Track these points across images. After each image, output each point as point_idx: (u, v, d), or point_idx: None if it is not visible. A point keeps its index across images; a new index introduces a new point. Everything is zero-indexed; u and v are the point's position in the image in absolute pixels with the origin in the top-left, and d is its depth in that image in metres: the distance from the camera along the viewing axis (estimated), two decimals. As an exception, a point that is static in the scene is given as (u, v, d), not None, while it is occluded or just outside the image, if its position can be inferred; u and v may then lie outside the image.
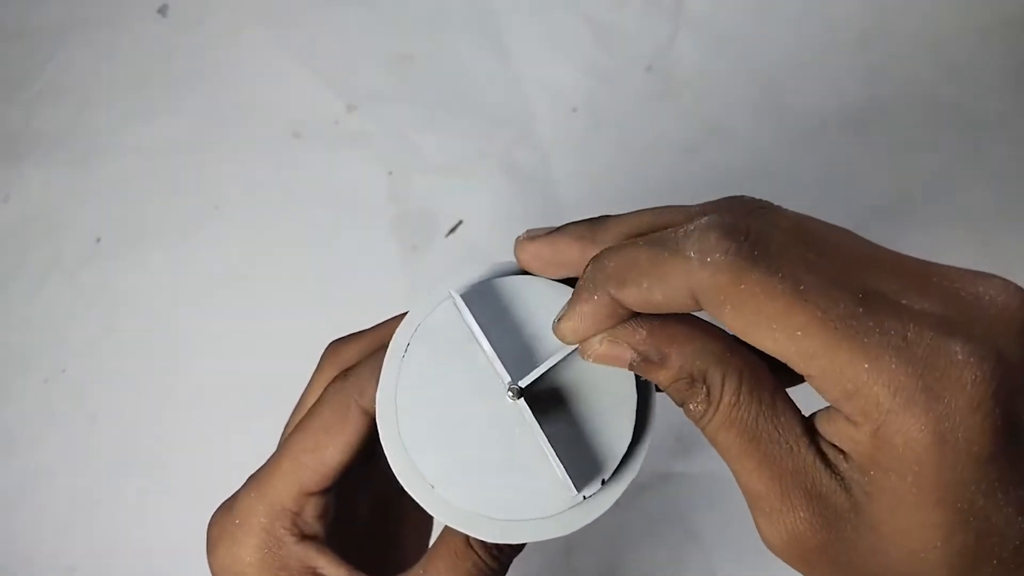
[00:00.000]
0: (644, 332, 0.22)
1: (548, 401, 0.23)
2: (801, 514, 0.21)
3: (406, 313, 0.25)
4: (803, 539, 0.21)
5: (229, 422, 0.50)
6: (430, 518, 0.31)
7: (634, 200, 0.55)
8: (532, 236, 0.24)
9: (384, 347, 0.25)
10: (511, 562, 0.26)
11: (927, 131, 0.51)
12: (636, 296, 0.21)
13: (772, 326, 0.20)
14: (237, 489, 0.27)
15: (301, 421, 0.26)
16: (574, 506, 0.23)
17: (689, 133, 0.52)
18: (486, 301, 0.24)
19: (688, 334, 0.22)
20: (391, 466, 0.23)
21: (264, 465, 0.27)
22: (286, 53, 0.54)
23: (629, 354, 0.22)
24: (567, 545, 0.47)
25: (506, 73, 0.53)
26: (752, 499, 0.22)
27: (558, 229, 0.24)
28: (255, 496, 0.26)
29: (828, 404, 0.21)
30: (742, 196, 0.22)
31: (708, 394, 0.22)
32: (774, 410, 0.22)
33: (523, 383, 0.23)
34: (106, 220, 0.52)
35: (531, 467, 0.23)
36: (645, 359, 0.22)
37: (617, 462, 0.23)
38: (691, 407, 0.22)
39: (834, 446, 0.21)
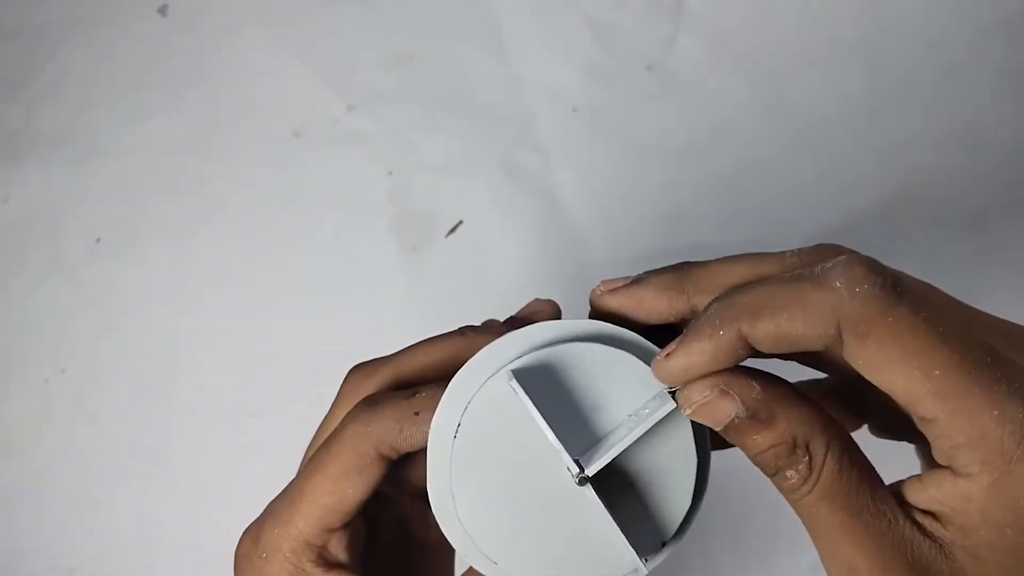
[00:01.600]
0: (757, 387, 0.21)
1: (606, 473, 0.22)
2: None
3: (426, 340, 0.25)
4: None
5: (229, 422, 0.50)
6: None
7: (634, 200, 0.55)
8: (611, 288, 0.24)
9: (406, 384, 0.25)
10: None
11: (927, 131, 0.51)
12: (771, 329, 0.21)
13: (911, 363, 0.20)
14: (260, 517, 0.27)
15: (320, 460, 0.26)
16: (631, 572, 0.23)
17: (689, 133, 0.52)
18: (537, 373, 0.23)
19: (795, 397, 0.21)
20: (452, 543, 0.24)
21: (284, 498, 0.26)
22: (286, 53, 0.54)
23: (735, 409, 0.21)
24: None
25: (506, 73, 0.53)
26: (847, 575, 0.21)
27: (638, 280, 0.24)
28: (279, 533, 0.26)
29: (914, 474, 0.22)
30: (836, 246, 0.23)
31: (810, 462, 0.21)
32: (871, 483, 0.21)
33: (590, 471, 0.22)
34: (106, 220, 0.52)
35: (591, 538, 0.23)
36: (753, 417, 0.21)
37: (675, 528, 0.23)
38: (788, 474, 0.21)
39: (927, 512, 0.21)
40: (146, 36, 0.54)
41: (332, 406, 0.28)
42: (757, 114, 0.52)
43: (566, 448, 0.22)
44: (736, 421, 0.21)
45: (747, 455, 0.22)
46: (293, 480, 0.27)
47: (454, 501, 0.23)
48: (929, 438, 0.21)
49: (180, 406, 0.50)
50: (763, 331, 0.21)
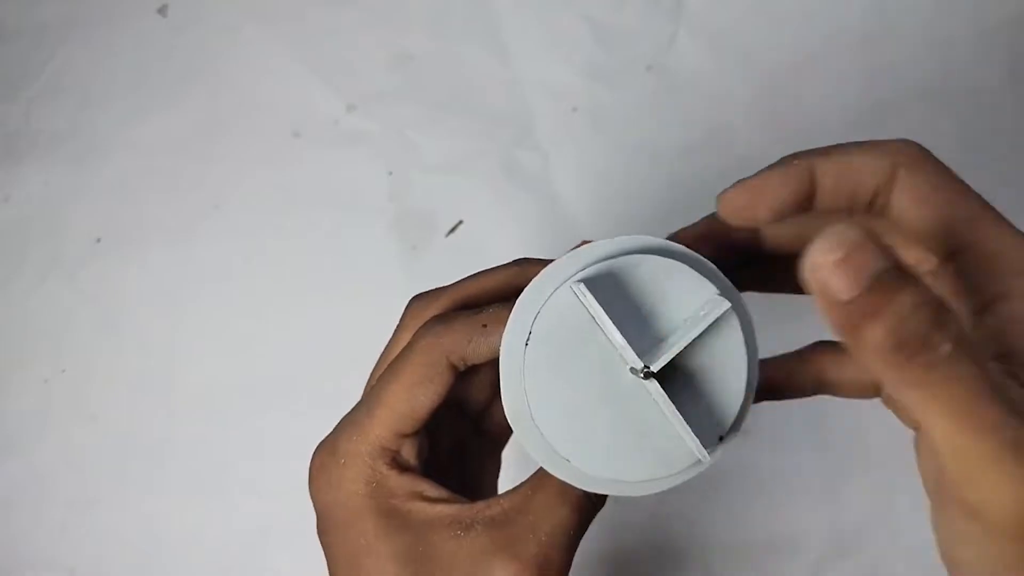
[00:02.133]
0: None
1: (666, 372, 0.24)
2: None
3: (482, 272, 0.28)
4: None
5: (229, 421, 0.50)
6: (500, 457, 0.34)
7: (634, 200, 0.55)
8: (736, 186, 0.27)
9: (467, 307, 0.27)
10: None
11: (927, 131, 0.51)
12: (839, 164, 0.24)
13: (953, 192, 0.25)
14: (334, 431, 0.29)
15: (396, 370, 0.27)
16: (694, 464, 0.25)
17: (689, 133, 0.52)
18: (599, 283, 0.24)
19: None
20: (527, 446, 0.25)
21: (359, 410, 0.28)
22: (286, 53, 0.54)
23: (879, 262, 0.18)
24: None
25: (506, 73, 0.53)
26: (975, 460, 0.19)
27: (759, 173, 0.27)
28: (357, 440, 0.27)
29: None
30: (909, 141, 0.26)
31: (958, 325, 0.18)
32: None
33: (655, 367, 0.24)
34: (106, 220, 0.52)
35: (656, 433, 0.24)
36: (894, 271, 0.18)
37: (731, 421, 0.25)
38: (939, 343, 0.18)
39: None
40: (146, 36, 0.54)
41: (395, 332, 0.30)
42: (757, 114, 0.52)
43: (631, 347, 0.23)
44: (883, 273, 0.18)
45: (881, 338, 0.18)
46: (366, 394, 0.28)
47: (528, 404, 0.24)
48: (973, 268, 0.23)
49: (180, 406, 0.50)
50: (832, 164, 0.24)
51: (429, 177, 0.52)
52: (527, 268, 0.29)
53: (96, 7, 0.55)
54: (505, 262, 0.30)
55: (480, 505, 0.27)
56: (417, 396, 0.27)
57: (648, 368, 0.23)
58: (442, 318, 0.28)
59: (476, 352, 0.27)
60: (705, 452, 0.24)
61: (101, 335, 0.51)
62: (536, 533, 0.26)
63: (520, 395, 0.25)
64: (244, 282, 0.51)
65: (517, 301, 0.25)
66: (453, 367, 0.27)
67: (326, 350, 0.50)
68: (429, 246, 0.51)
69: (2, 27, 0.55)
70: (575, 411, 0.24)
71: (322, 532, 0.28)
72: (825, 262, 0.18)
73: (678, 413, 0.24)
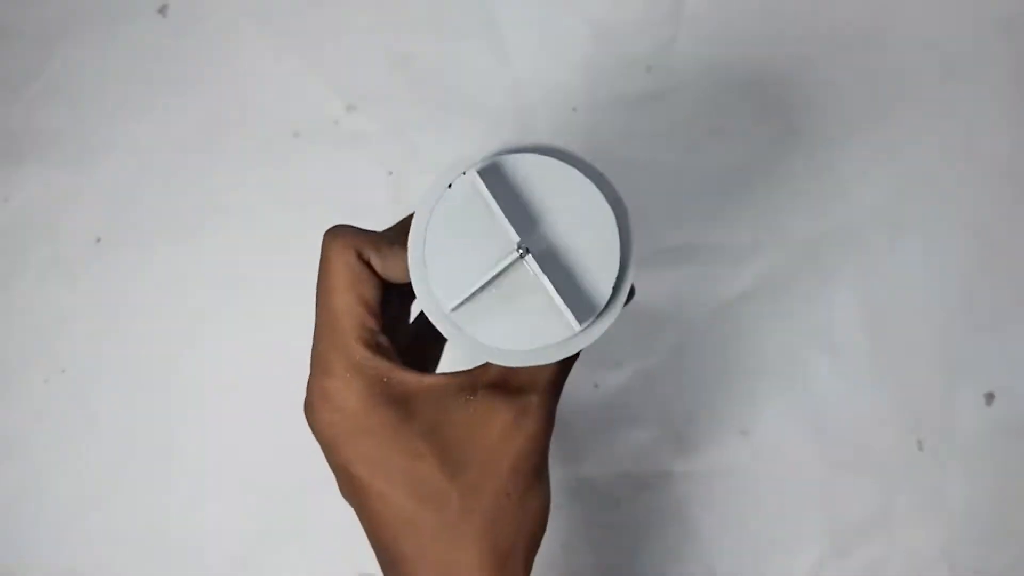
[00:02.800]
0: None
1: (547, 253, 0.28)
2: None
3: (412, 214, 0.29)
4: None
5: (229, 421, 0.50)
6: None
7: (634, 200, 0.55)
8: None
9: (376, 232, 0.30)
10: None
11: (927, 131, 0.51)
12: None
13: None
14: (317, 366, 0.30)
15: (324, 285, 0.30)
16: (575, 335, 0.27)
17: (689, 133, 0.52)
18: (495, 175, 0.28)
19: None
20: (427, 314, 0.28)
21: (323, 338, 0.30)
22: (286, 53, 0.54)
23: None
24: (565, 544, 0.48)
25: (506, 73, 0.53)
26: None
27: None
28: (342, 352, 0.29)
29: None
30: None
31: None
32: None
33: (532, 245, 0.27)
34: (106, 220, 0.52)
35: (538, 309, 0.27)
36: None
37: (605, 299, 0.28)
38: None
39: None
40: (146, 36, 0.54)
41: (321, 264, 0.31)
42: (757, 114, 0.52)
43: (516, 231, 0.27)
44: None
45: None
46: (318, 318, 0.30)
47: (430, 282, 0.27)
48: None
49: (180, 406, 0.50)
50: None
51: (429, 177, 0.52)
52: None
53: (96, 7, 0.54)
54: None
55: (476, 371, 0.30)
56: (361, 293, 0.29)
57: (527, 247, 0.27)
58: (342, 225, 0.31)
59: (383, 264, 0.29)
60: (576, 321, 0.26)
61: (101, 335, 0.51)
62: (534, 386, 0.30)
63: (422, 274, 0.28)
64: (244, 282, 0.51)
65: (427, 187, 0.28)
66: (370, 267, 0.29)
67: (326, 350, 0.50)
68: (429, 246, 0.51)
69: (2, 27, 0.55)
70: (469, 285, 0.27)
71: (341, 454, 0.30)
72: None
73: (549, 282, 0.26)
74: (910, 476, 0.48)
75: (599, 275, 0.28)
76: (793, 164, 0.51)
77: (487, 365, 0.30)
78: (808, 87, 0.52)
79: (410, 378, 0.29)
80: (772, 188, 0.51)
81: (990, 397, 0.49)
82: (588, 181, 0.28)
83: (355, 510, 0.30)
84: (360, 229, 0.31)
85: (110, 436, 0.50)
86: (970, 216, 0.50)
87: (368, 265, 0.30)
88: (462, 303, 0.27)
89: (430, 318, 0.28)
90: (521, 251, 0.27)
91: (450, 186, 0.28)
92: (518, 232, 0.27)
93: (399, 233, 0.30)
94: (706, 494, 0.48)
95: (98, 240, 0.52)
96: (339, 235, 0.30)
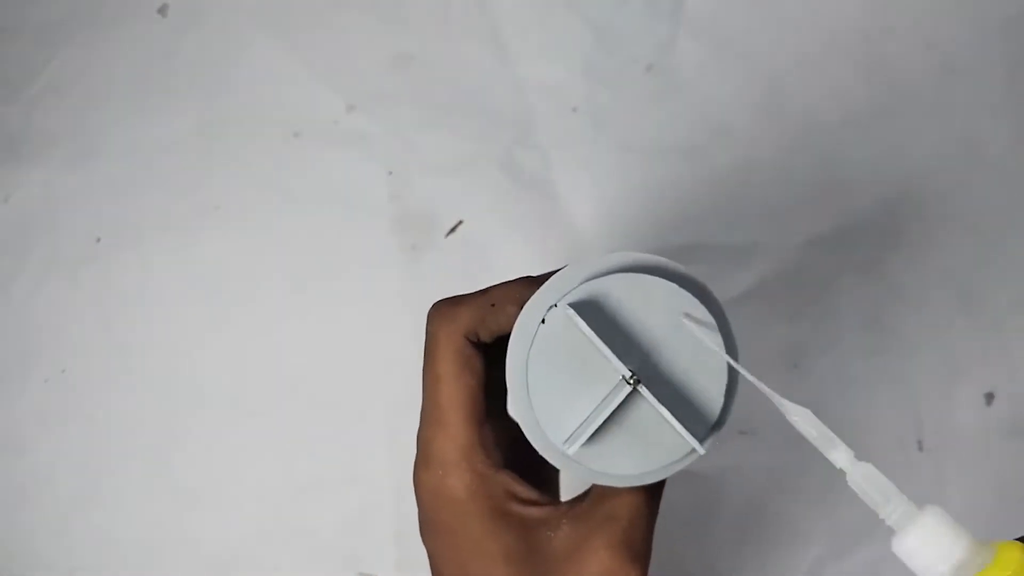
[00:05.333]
0: None
1: (654, 375, 0.27)
2: None
3: (502, 283, 0.30)
4: None
5: (229, 421, 0.50)
6: None
7: (634, 200, 0.55)
8: None
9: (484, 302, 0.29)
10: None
11: (928, 131, 0.51)
12: None
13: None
14: (418, 450, 0.30)
15: (432, 370, 0.30)
16: (689, 453, 0.27)
17: (689, 133, 0.52)
18: (589, 304, 0.27)
19: None
20: (538, 449, 0.28)
21: (429, 424, 0.30)
22: (286, 53, 0.54)
23: None
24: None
25: (506, 73, 0.53)
26: None
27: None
28: (446, 447, 0.29)
29: None
30: None
31: None
32: None
33: (641, 375, 0.26)
34: (106, 220, 0.52)
35: (652, 433, 0.27)
36: None
37: (716, 416, 0.27)
38: None
39: None
40: (146, 36, 0.54)
41: (426, 343, 0.31)
42: (757, 114, 0.52)
43: (619, 359, 0.26)
44: None
45: None
46: (423, 406, 0.30)
47: (538, 424, 0.27)
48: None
49: (180, 406, 0.50)
50: None
51: (429, 177, 0.52)
52: (536, 282, 0.31)
53: (96, 7, 0.54)
54: (510, 279, 0.31)
55: (564, 507, 0.29)
56: (467, 383, 0.29)
57: (635, 376, 0.26)
58: (449, 302, 0.30)
59: (488, 329, 0.29)
60: (698, 444, 0.26)
61: (101, 335, 0.51)
62: (617, 521, 0.29)
63: (530, 415, 0.27)
64: (244, 282, 0.51)
65: (518, 319, 0.28)
66: (477, 346, 0.29)
67: (326, 350, 0.50)
68: (429, 246, 0.51)
69: (2, 27, 0.55)
70: (581, 421, 0.27)
71: (426, 536, 0.30)
72: None
73: (668, 412, 0.26)
74: (910, 476, 0.48)
75: (708, 387, 0.27)
76: (793, 164, 0.51)
77: (574, 501, 0.30)
78: (808, 87, 0.52)
79: (504, 493, 0.29)
80: (772, 188, 0.51)
81: (990, 397, 0.49)
82: (685, 292, 0.27)
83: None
84: (464, 302, 0.30)
85: (110, 436, 0.50)
86: (970, 216, 0.50)
87: (475, 345, 0.29)
88: (573, 440, 0.26)
89: (541, 453, 0.28)
90: (632, 382, 0.26)
91: (543, 321, 0.27)
92: (623, 360, 0.26)
93: (502, 295, 0.30)
94: (706, 494, 0.47)
95: (98, 240, 0.52)
96: (447, 316, 0.30)
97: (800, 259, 0.50)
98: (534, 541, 0.29)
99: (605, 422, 0.26)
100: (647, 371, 0.27)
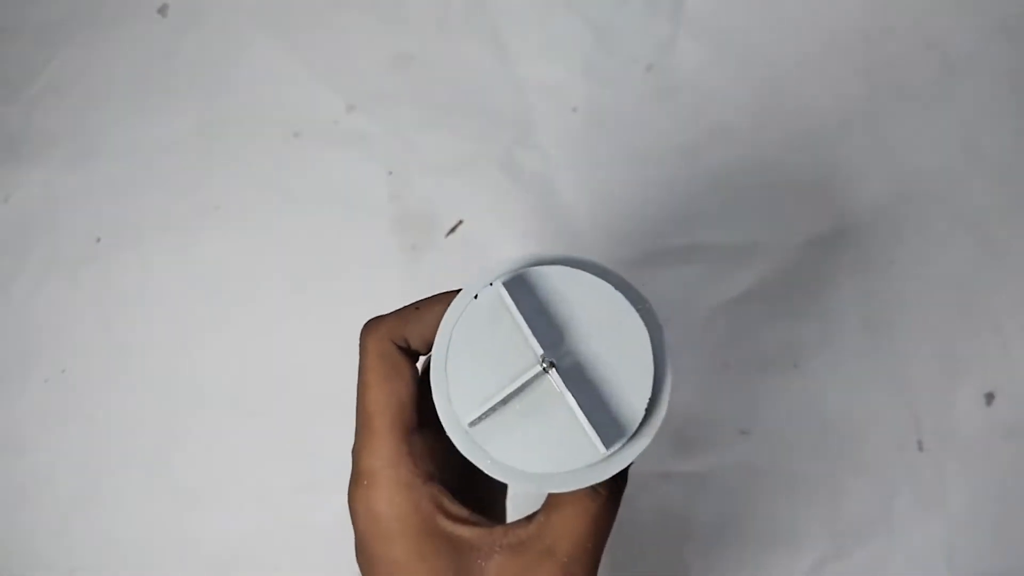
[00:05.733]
0: None
1: (574, 369, 0.26)
2: None
3: (441, 294, 0.29)
4: None
5: (229, 421, 0.50)
6: None
7: (634, 200, 0.55)
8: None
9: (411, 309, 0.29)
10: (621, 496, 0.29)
11: (927, 131, 0.51)
12: None
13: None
14: (352, 463, 0.29)
15: (362, 380, 0.29)
16: (602, 460, 0.26)
17: (689, 133, 0.52)
18: (522, 286, 0.27)
19: None
20: (446, 428, 0.27)
21: (358, 433, 0.29)
22: (286, 53, 0.54)
23: None
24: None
25: (506, 73, 0.53)
26: None
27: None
28: (372, 457, 0.28)
29: None
30: None
31: None
32: None
33: (557, 359, 0.26)
34: (106, 220, 0.52)
35: (562, 428, 0.26)
36: None
37: (637, 423, 0.26)
38: None
39: None
40: (146, 36, 0.54)
41: (360, 358, 0.30)
42: (757, 114, 0.52)
43: (541, 344, 0.25)
44: None
45: None
46: (356, 417, 0.29)
47: (450, 401, 0.26)
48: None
49: (180, 406, 0.50)
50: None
51: (429, 177, 0.52)
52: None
53: (96, 7, 0.55)
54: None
55: (498, 532, 0.27)
56: (395, 388, 0.28)
57: (551, 360, 0.25)
58: (378, 316, 0.30)
59: (414, 332, 0.28)
60: (602, 446, 0.25)
61: (101, 335, 0.51)
62: (557, 555, 0.27)
63: (444, 390, 0.26)
64: (244, 282, 0.51)
65: (455, 299, 0.28)
66: (405, 351, 0.28)
67: (326, 350, 0.50)
68: (429, 246, 0.51)
69: (2, 27, 0.55)
70: (489, 398, 0.26)
71: (359, 561, 0.29)
72: None
73: (574, 400, 0.25)
74: (910, 476, 0.48)
75: (632, 395, 0.26)
76: (793, 164, 0.51)
77: (510, 526, 0.28)
78: (808, 87, 0.52)
79: (432, 510, 0.27)
80: (772, 188, 0.51)
81: (990, 397, 0.49)
82: (619, 295, 0.27)
83: None
84: (390, 312, 0.29)
85: (110, 436, 0.50)
86: (970, 216, 0.50)
87: (405, 351, 0.28)
88: (480, 418, 0.26)
89: (448, 432, 0.27)
90: (544, 364, 0.25)
91: (476, 297, 0.27)
92: (543, 346, 0.25)
93: (427, 301, 0.29)
94: (706, 494, 0.47)
95: (98, 240, 0.52)
96: (372, 325, 0.29)
97: (800, 259, 0.50)
98: (464, 568, 0.27)
99: (517, 413, 0.26)
100: (569, 366, 0.26)
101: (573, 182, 0.51)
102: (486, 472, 0.26)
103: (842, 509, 0.48)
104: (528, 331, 0.25)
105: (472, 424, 0.26)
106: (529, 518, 0.28)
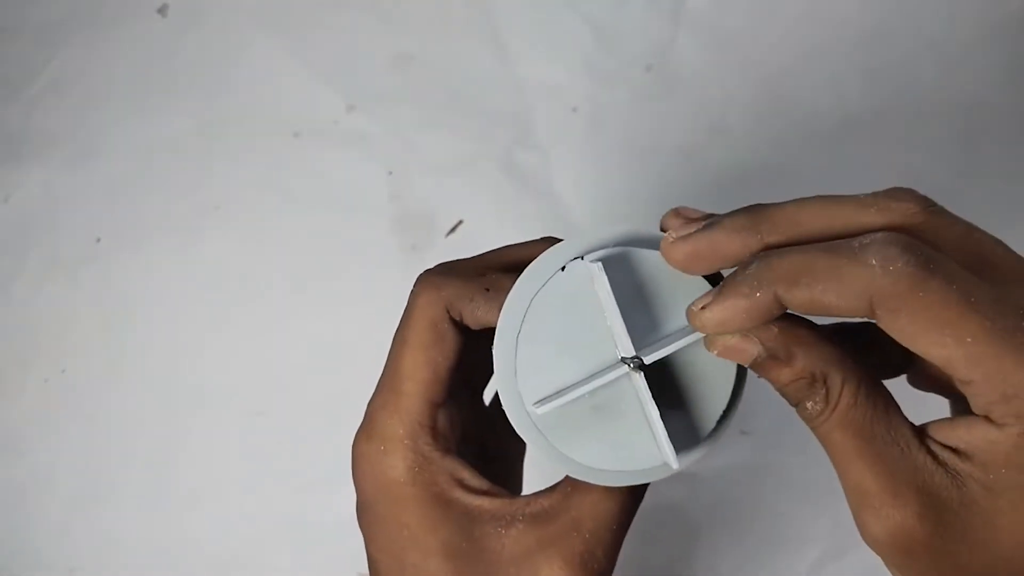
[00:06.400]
0: (775, 330, 0.23)
1: (654, 368, 0.24)
2: (912, 508, 0.22)
3: (513, 245, 0.27)
4: (911, 532, 0.23)
5: (229, 421, 0.50)
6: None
7: (634, 200, 0.55)
8: (684, 236, 0.24)
9: (475, 275, 0.26)
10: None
11: (927, 131, 0.51)
12: (806, 297, 0.22)
13: (944, 332, 0.21)
14: (366, 416, 0.28)
15: (403, 336, 0.27)
16: (660, 466, 0.25)
17: (689, 133, 0.52)
18: (617, 267, 0.24)
19: (814, 337, 0.24)
20: (503, 402, 0.25)
21: (385, 388, 0.27)
22: (286, 53, 0.54)
23: (756, 349, 0.23)
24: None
25: (506, 73, 0.53)
26: (860, 496, 0.24)
27: (710, 224, 0.24)
28: (393, 422, 0.27)
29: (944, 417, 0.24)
30: (911, 191, 0.24)
31: (827, 394, 0.23)
32: (887, 415, 0.24)
33: (647, 359, 0.24)
34: (106, 220, 0.52)
35: (632, 429, 0.24)
36: (772, 356, 0.23)
37: (708, 431, 0.25)
38: (808, 406, 0.23)
39: (949, 448, 0.23)
40: (146, 36, 0.54)
41: (405, 308, 0.28)
42: (757, 114, 0.52)
43: (630, 338, 0.23)
44: (760, 360, 0.23)
45: (774, 387, 0.24)
46: (385, 371, 0.27)
47: (516, 374, 0.24)
48: (967, 395, 0.23)
49: (180, 406, 0.50)
50: (799, 298, 0.22)
51: (429, 177, 0.52)
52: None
53: (96, 7, 0.54)
54: (534, 239, 0.29)
55: (520, 501, 0.26)
56: (434, 358, 0.26)
57: (639, 359, 0.24)
58: (442, 268, 0.27)
59: (475, 315, 0.26)
60: (674, 457, 0.24)
61: (101, 335, 0.51)
62: (580, 530, 0.26)
63: (510, 362, 0.24)
64: (244, 282, 0.51)
65: (522, 273, 0.25)
66: (457, 325, 0.27)
67: (326, 350, 0.50)
68: (429, 246, 0.51)
69: (2, 27, 0.55)
70: (559, 387, 0.24)
71: (363, 522, 0.28)
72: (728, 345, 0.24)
73: (657, 412, 0.24)
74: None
75: (706, 405, 0.25)
76: (793, 164, 0.51)
77: (533, 497, 0.26)
78: (808, 87, 0.52)
79: (448, 481, 0.26)
80: (772, 188, 0.51)
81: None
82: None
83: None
84: (455, 274, 0.27)
85: (110, 436, 0.50)
86: (970, 216, 0.50)
87: (455, 323, 0.27)
88: (544, 400, 0.24)
89: (505, 407, 0.25)
90: (633, 365, 0.24)
91: (563, 268, 0.24)
92: (632, 341, 0.24)
93: (500, 283, 0.26)
94: (706, 494, 0.47)
95: (98, 240, 0.52)
96: (431, 284, 0.27)
97: (800, 259, 0.50)
98: (480, 537, 0.26)
99: (588, 404, 0.24)
100: (650, 365, 0.24)
101: (573, 182, 0.51)
102: (541, 455, 0.25)
103: (842, 509, 0.47)
104: (621, 326, 0.23)
105: (536, 404, 0.24)
106: (551, 489, 0.27)
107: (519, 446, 0.32)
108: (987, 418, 0.22)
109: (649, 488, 0.48)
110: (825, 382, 0.23)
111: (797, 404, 0.24)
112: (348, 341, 0.50)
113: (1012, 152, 0.51)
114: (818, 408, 0.23)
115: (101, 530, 0.49)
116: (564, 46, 0.53)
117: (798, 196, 0.25)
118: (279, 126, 0.53)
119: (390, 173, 0.52)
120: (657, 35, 0.53)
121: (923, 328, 0.21)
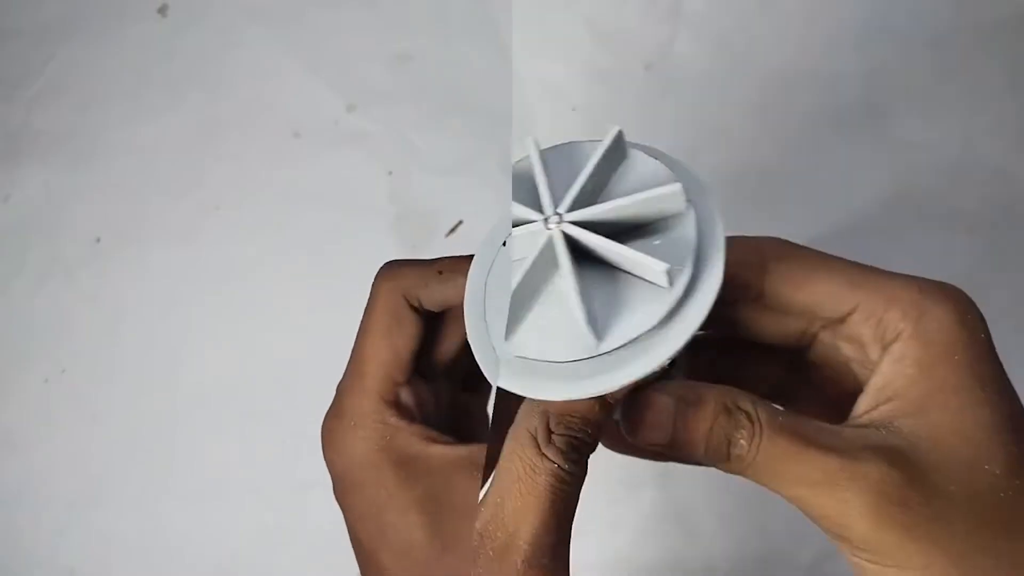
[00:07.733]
0: (671, 400, 0.24)
1: (596, 264, 0.22)
2: (881, 459, 0.23)
3: (453, 256, 0.28)
4: (895, 480, 0.23)
5: (229, 421, 0.50)
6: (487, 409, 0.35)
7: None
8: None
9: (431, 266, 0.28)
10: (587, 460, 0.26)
11: (927, 131, 0.51)
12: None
13: (831, 277, 0.26)
14: (335, 398, 0.29)
15: (365, 325, 0.29)
16: (597, 357, 0.21)
17: (689, 133, 0.52)
18: (558, 152, 0.24)
19: (705, 383, 0.24)
20: (487, 375, 0.24)
21: (350, 372, 0.29)
22: (286, 53, 0.54)
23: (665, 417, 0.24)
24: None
25: (506, 73, 0.53)
26: (830, 489, 0.23)
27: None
28: (359, 400, 0.28)
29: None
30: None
31: (749, 416, 0.24)
32: (799, 414, 0.24)
33: (568, 216, 0.21)
34: (106, 220, 0.52)
35: (568, 317, 0.22)
36: (684, 402, 0.24)
37: (645, 328, 0.21)
38: (741, 442, 0.23)
39: (867, 414, 0.24)
40: (146, 36, 0.54)
41: (370, 297, 0.30)
42: (756, 114, 0.52)
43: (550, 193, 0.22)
44: (671, 432, 0.24)
45: (700, 454, 0.24)
46: (350, 357, 0.29)
47: (488, 333, 0.24)
48: (859, 335, 0.26)
49: (180, 406, 0.50)
50: None
51: (429, 177, 0.52)
52: None
53: (96, 7, 0.55)
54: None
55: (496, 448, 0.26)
56: (395, 342, 0.28)
57: (558, 214, 0.21)
58: (400, 261, 0.29)
59: (431, 298, 0.28)
60: (593, 338, 0.21)
61: (101, 335, 0.51)
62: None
63: (482, 332, 0.24)
64: (244, 282, 0.51)
65: (480, 243, 0.26)
66: (415, 310, 0.28)
67: (326, 350, 0.50)
68: (429, 246, 0.51)
69: (2, 27, 0.55)
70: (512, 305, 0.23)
71: (340, 495, 0.29)
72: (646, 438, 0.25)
73: (573, 279, 0.21)
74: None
75: (648, 309, 0.21)
76: (793, 164, 0.51)
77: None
78: (808, 87, 0.52)
79: (417, 442, 0.27)
80: (771, 188, 0.51)
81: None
82: (666, 169, 0.22)
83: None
84: (412, 264, 0.29)
85: (110, 436, 0.50)
86: (969, 216, 0.50)
87: (414, 309, 0.28)
88: (513, 331, 0.23)
89: (475, 350, 0.24)
90: (551, 219, 0.21)
91: (504, 244, 0.24)
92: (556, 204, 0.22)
93: (451, 265, 0.28)
94: (706, 494, 0.47)
95: (98, 240, 0.52)
96: (389, 275, 0.29)
97: (800, 259, 0.50)
98: (454, 483, 0.27)
99: (540, 309, 0.22)
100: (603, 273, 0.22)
101: (573, 182, 0.51)
102: (515, 388, 0.23)
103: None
104: (545, 186, 0.22)
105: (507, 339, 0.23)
106: None
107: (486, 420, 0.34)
108: (882, 346, 0.25)
109: (647, 484, 0.48)
110: (739, 407, 0.24)
111: (727, 449, 0.24)
112: (348, 341, 0.50)
113: (1012, 152, 0.51)
114: (749, 434, 0.23)
115: (100, 530, 0.49)
116: (564, 46, 0.53)
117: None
118: (279, 126, 0.53)
119: (390, 173, 0.52)
120: (657, 35, 0.53)
121: (808, 277, 0.26)
